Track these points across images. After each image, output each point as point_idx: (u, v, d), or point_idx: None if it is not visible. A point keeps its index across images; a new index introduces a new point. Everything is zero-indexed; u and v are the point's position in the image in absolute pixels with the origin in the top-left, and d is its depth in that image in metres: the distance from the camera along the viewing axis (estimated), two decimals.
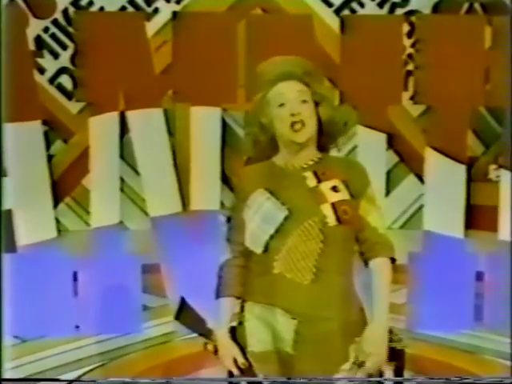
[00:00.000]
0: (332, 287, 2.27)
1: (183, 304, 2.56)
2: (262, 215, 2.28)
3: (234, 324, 2.37)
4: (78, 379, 3.46)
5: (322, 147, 2.38)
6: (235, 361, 2.30)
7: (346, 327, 2.27)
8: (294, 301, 2.25)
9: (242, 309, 2.35)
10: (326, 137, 2.37)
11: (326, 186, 2.30)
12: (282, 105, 2.30)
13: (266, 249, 2.28)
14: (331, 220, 2.26)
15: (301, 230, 2.26)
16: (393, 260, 2.34)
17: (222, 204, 3.93)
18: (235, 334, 2.35)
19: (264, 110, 2.32)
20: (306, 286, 2.25)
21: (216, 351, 2.35)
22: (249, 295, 2.34)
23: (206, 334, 2.41)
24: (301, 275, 2.26)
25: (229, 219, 2.43)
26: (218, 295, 2.38)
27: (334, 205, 2.27)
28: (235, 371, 2.31)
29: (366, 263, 2.34)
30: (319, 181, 2.32)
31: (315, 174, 2.33)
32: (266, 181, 2.33)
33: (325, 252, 2.27)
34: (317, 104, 2.33)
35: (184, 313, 2.54)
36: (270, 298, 2.28)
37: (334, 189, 2.30)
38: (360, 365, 2.25)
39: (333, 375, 2.25)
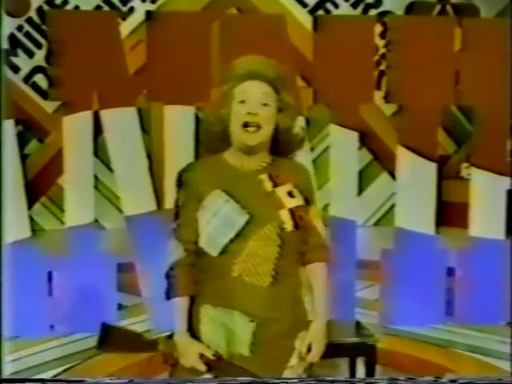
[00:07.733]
0: (287, 289, 2.33)
1: (105, 330, 2.46)
2: (221, 218, 2.29)
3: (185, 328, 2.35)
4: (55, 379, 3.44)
5: (274, 151, 2.39)
6: (201, 356, 2.29)
7: (293, 326, 2.34)
8: (253, 303, 2.29)
9: (197, 312, 2.35)
10: (280, 145, 2.38)
11: (282, 191, 2.34)
12: (242, 101, 2.31)
13: (223, 251, 2.29)
14: (288, 226, 2.31)
15: (260, 234, 2.29)
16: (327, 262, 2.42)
17: None
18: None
19: (226, 102, 2.33)
20: (265, 288, 2.30)
21: (176, 364, 2.34)
22: (204, 298, 2.34)
23: (146, 347, 2.38)
24: (260, 278, 2.29)
25: (176, 215, 2.40)
26: (170, 296, 2.36)
27: (291, 210, 2.32)
28: (202, 368, 2.30)
29: (303, 264, 2.40)
30: (275, 185, 2.34)
31: (270, 177, 2.35)
32: (222, 181, 2.33)
33: (282, 255, 2.31)
34: (279, 110, 2.34)
35: (109, 339, 2.45)
36: (228, 301, 2.30)
37: (290, 194, 2.34)
38: (303, 357, 2.33)
39: (281, 372, 2.31)
